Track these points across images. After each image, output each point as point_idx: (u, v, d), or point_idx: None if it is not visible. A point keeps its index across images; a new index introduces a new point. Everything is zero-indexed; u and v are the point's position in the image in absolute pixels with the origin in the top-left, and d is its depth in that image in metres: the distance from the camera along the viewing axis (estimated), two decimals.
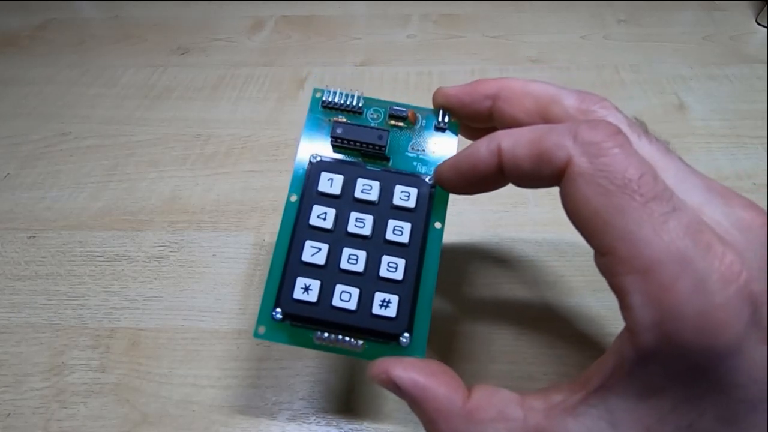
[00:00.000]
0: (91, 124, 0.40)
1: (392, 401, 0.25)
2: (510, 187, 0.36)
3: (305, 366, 0.26)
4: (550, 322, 0.27)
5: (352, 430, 0.24)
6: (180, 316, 0.28)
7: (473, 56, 0.46)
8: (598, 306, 0.27)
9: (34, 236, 0.32)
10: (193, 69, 0.45)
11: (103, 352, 0.27)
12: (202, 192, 0.34)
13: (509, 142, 0.16)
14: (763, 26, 0.48)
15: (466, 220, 0.32)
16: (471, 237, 0.31)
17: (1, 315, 0.28)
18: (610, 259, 0.14)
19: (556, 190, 0.35)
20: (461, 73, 0.44)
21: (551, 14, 0.50)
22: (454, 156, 0.18)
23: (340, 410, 0.24)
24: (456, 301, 0.28)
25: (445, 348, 0.26)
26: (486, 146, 0.16)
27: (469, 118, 0.20)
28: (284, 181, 0.35)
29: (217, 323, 0.28)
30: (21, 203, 0.34)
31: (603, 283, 0.30)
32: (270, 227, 0.32)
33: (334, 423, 0.24)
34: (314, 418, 0.24)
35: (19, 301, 0.29)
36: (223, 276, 0.30)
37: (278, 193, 0.34)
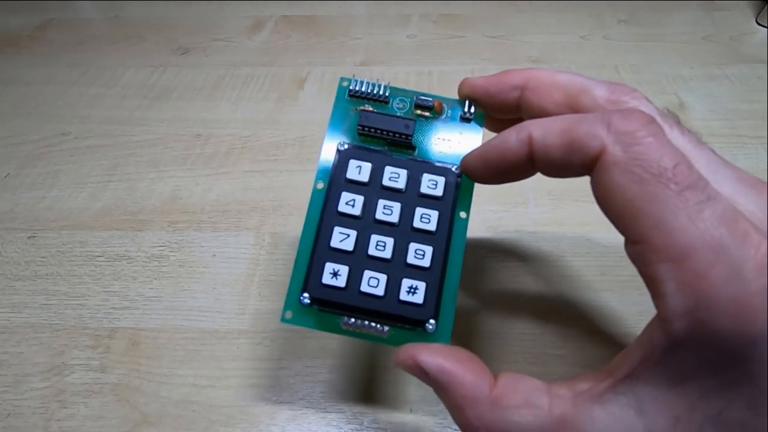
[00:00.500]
0: (91, 124, 0.40)
1: (393, 400, 0.25)
2: (510, 187, 0.36)
3: (305, 366, 0.26)
4: (550, 321, 0.27)
5: (352, 429, 0.24)
6: (180, 316, 0.28)
7: (473, 56, 0.46)
8: (599, 305, 0.27)
9: (34, 236, 0.32)
10: (193, 69, 0.45)
11: (103, 352, 0.27)
12: (202, 192, 0.34)
13: (540, 131, 0.16)
14: (763, 26, 0.48)
15: None
16: (471, 237, 0.31)
17: (1, 315, 0.28)
18: (644, 247, 0.14)
19: (556, 189, 0.35)
20: (461, 73, 0.44)
21: (551, 14, 0.50)
22: (482, 145, 0.18)
23: (340, 410, 0.24)
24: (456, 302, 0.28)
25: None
26: (516, 136, 0.16)
27: (496, 109, 0.20)
28: (284, 181, 0.35)
29: (217, 323, 0.28)
30: (21, 203, 0.34)
31: (603, 282, 0.30)
32: (270, 227, 0.32)
33: (335, 423, 0.24)
34: (314, 418, 0.24)
35: (19, 301, 0.29)
36: (223, 276, 0.30)
37: (278, 193, 0.34)
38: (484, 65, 0.44)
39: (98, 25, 0.52)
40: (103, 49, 0.48)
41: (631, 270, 0.26)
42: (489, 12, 0.51)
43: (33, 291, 0.29)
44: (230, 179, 0.35)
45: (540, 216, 0.32)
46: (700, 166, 0.14)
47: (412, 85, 0.43)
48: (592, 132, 0.14)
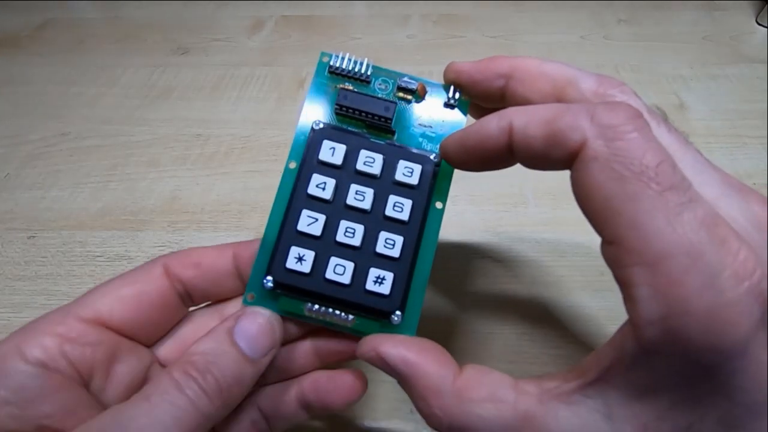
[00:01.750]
0: (91, 124, 0.40)
1: (393, 401, 0.24)
2: (510, 187, 0.36)
3: None
4: (549, 321, 0.27)
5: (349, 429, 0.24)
6: None
7: (473, 56, 0.45)
8: (598, 306, 0.27)
9: (34, 236, 0.32)
10: (193, 69, 0.45)
11: None
12: (202, 192, 0.34)
13: (521, 120, 0.15)
14: (763, 26, 0.48)
15: (466, 220, 0.32)
16: (471, 237, 0.31)
17: (1, 315, 0.28)
18: (618, 248, 0.13)
19: (556, 189, 0.35)
20: None
21: (551, 14, 0.50)
22: (462, 130, 0.17)
23: (340, 412, 0.24)
24: (455, 301, 0.28)
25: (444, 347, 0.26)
26: (496, 123, 0.15)
27: (480, 97, 0.19)
28: None
29: None
30: (21, 203, 0.34)
31: (603, 283, 0.30)
32: None
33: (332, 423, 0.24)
34: (314, 419, 0.24)
35: (19, 301, 0.29)
36: None
37: None
38: None
39: (98, 25, 0.52)
40: (103, 49, 0.48)
41: None
42: (489, 12, 0.51)
43: (33, 291, 0.29)
44: (230, 179, 0.35)
45: (540, 216, 0.32)
46: (684, 166, 0.14)
47: None
48: (575, 124, 0.14)
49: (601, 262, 0.30)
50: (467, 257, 0.30)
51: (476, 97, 0.19)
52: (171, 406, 0.14)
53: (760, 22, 0.48)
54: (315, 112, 0.19)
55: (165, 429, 0.13)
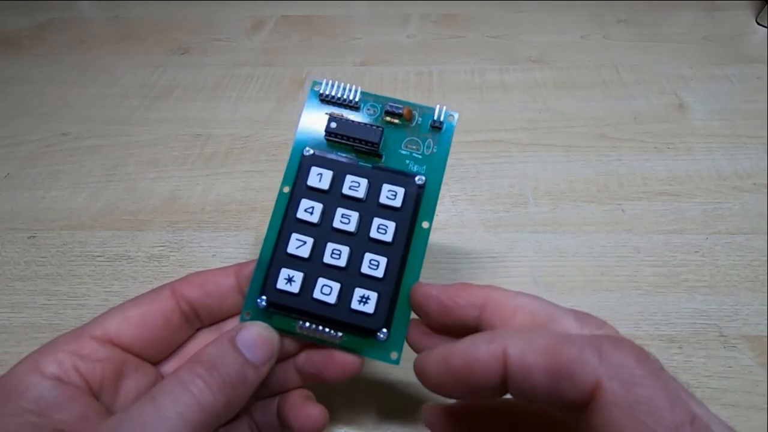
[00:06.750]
0: (91, 124, 0.40)
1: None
2: (510, 187, 0.36)
3: None
4: None
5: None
6: None
7: (473, 56, 0.46)
8: (598, 306, 0.27)
9: (34, 236, 0.32)
10: (193, 69, 0.45)
11: None
12: (202, 192, 0.34)
13: (518, 346, 0.13)
14: (763, 26, 0.48)
15: (466, 220, 0.32)
16: (471, 237, 0.31)
17: (1, 315, 0.28)
18: None
19: (556, 189, 0.34)
20: (461, 73, 0.44)
21: (551, 14, 0.50)
22: (446, 348, 0.14)
23: (335, 416, 0.24)
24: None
25: None
26: (486, 347, 0.13)
27: (451, 326, 0.17)
28: None
29: None
30: (21, 203, 0.34)
31: (602, 283, 0.30)
32: None
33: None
34: None
35: (19, 301, 0.29)
36: None
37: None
38: (484, 65, 0.44)
39: (98, 25, 0.52)
40: (103, 49, 0.48)
41: (631, 270, 0.26)
42: (489, 12, 0.51)
43: (33, 291, 0.29)
44: (230, 179, 0.35)
45: (540, 216, 0.32)
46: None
47: (412, 85, 0.43)
48: (583, 359, 0.12)
49: (602, 261, 0.29)
50: (467, 257, 0.30)
51: (446, 325, 0.17)
52: (175, 402, 0.14)
53: (760, 22, 0.48)
54: (307, 139, 0.20)
55: (169, 424, 0.14)
